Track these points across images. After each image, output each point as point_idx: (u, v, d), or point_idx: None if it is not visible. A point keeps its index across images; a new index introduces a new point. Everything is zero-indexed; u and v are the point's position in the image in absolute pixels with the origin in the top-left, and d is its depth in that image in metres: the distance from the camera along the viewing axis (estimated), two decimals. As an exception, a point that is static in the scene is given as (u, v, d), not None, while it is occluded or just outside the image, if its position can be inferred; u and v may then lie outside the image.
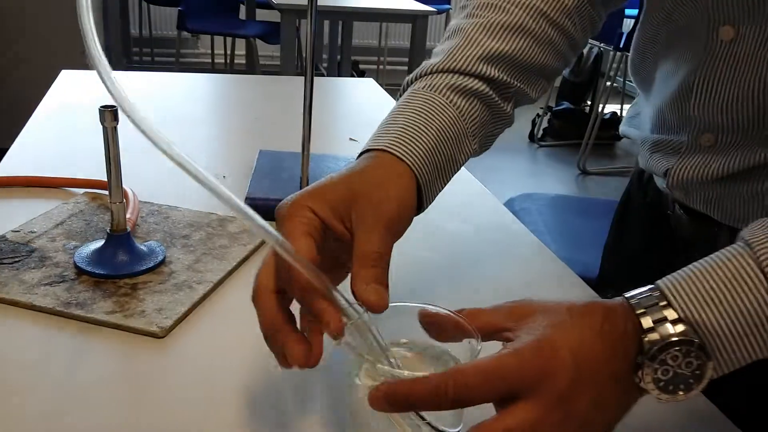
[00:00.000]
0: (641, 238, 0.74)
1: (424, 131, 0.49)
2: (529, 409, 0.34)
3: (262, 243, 0.69)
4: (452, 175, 0.52)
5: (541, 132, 3.99)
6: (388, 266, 0.42)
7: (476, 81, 0.53)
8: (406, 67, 3.22)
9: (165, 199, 0.76)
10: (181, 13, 3.60)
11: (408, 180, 0.47)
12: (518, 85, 0.56)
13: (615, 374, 0.36)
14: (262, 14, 3.93)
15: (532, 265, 0.73)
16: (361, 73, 4.38)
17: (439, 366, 0.41)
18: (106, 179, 0.76)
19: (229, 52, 4.53)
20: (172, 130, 1.03)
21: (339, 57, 3.92)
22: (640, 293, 0.38)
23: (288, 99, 1.25)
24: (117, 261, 0.61)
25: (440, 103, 0.51)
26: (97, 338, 0.53)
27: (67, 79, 1.24)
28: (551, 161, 3.86)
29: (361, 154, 0.49)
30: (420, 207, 0.49)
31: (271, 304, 0.40)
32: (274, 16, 3.25)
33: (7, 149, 0.89)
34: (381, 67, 4.85)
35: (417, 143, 0.48)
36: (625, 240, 0.78)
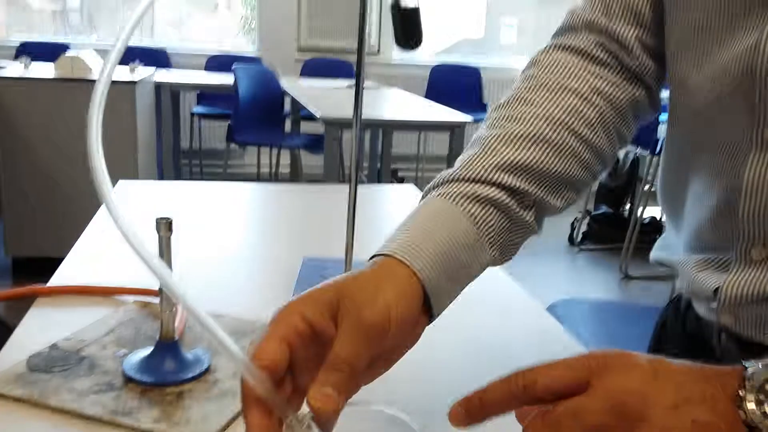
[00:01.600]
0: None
1: (433, 238, 0.48)
2: (586, 399, 0.36)
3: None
4: (467, 282, 0.51)
5: (580, 236, 3.98)
6: (355, 373, 0.41)
7: (493, 189, 0.53)
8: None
9: (213, 306, 0.78)
10: (229, 127, 3.79)
11: (408, 285, 0.46)
12: (538, 193, 0.55)
13: (701, 390, 0.37)
14: (306, 126, 4.11)
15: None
16: (401, 180, 4.49)
17: None
18: (155, 288, 0.79)
19: (274, 162, 4.71)
20: (217, 238, 1.07)
21: (379, 165, 4.04)
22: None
23: (331, 206, 1.29)
24: (164, 369, 0.62)
25: (453, 210, 0.51)
26: None
27: (123, 189, 1.31)
28: (592, 265, 3.82)
29: (370, 259, 0.48)
30: (430, 313, 0.48)
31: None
32: (317, 128, 3.40)
33: (63, 258, 0.94)
34: (420, 174, 4.96)
35: (424, 248, 0.47)
36: None
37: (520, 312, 0.86)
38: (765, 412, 0.36)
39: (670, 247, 0.66)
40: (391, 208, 1.43)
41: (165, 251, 0.62)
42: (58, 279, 0.86)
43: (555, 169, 0.55)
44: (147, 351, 0.64)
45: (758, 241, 0.53)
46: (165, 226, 0.61)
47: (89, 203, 2.85)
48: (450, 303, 0.50)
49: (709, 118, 0.56)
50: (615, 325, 1.41)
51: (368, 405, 0.41)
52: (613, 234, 3.85)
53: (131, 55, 4.25)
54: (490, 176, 0.53)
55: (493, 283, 0.95)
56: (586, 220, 4.01)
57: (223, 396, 0.60)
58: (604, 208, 4.04)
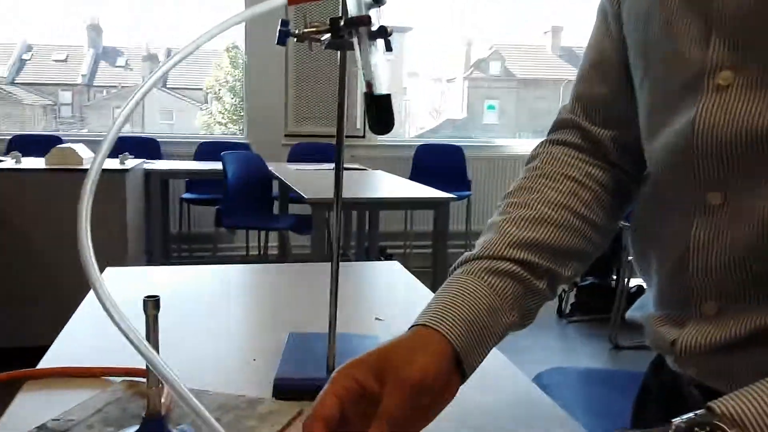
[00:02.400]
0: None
1: (459, 306, 0.58)
2: None
3: (290, 422, 0.71)
4: (492, 345, 0.60)
5: (569, 307, 3.99)
6: (399, 423, 0.48)
7: (508, 263, 0.62)
8: (430, 250, 3.34)
9: (199, 382, 0.80)
10: (218, 211, 3.85)
11: (441, 348, 0.55)
12: (547, 265, 0.64)
13: None
14: (294, 208, 4.18)
15: (558, 438, 0.72)
16: (389, 257, 4.52)
17: None
18: (142, 367, 0.81)
19: (263, 244, 4.75)
20: (204, 317, 1.09)
21: (366, 243, 4.09)
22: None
23: (317, 284, 1.32)
24: None
25: (475, 282, 0.60)
26: None
27: (110, 275, 1.33)
28: (582, 336, 3.81)
29: (409, 329, 0.57)
30: (463, 374, 0.56)
31: None
32: (305, 210, 3.46)
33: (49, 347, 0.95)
34: (407, 251, 5.01)
35: (452, 316, 0.57)
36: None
37: (508, 383, 0.88)
38: None
39: (644, 306, 0.70)
40: (377, 284, 1.45)
41: (152, 329, 0.64)
42: (46, 362, 0.87)
43: (559, 243, 0.65)
44: (133, 429, 0.65)
45: (709, 297, 0.57)
46: (152, 304, 0.64)
47: (77, 289, 2.82)
48: (480, 363, 0.59)
49: (661, 186, 0.62)
50: (602, 391, 1.41)
51: None
52: (601, 304, 3.87)
53: (123, 146, 4.36)
54: (505, 253, 0.63)
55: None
56: (574, 292, 4.04)
57: None
58: (591, 279, 4.07)
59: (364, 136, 5.32)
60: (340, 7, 0.73)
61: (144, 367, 0.81)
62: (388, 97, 0.77)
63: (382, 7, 0.70)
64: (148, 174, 3.88)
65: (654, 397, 0.75)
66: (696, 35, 0.55)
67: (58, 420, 0.70)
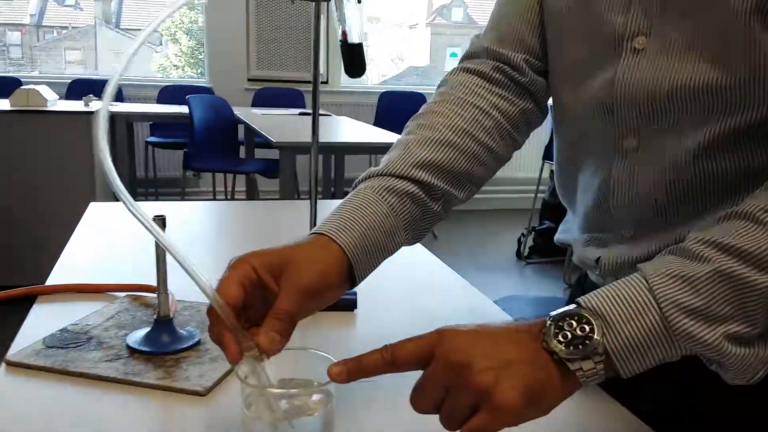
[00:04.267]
0: None
1: (358, 221, 0.63)
2: (431, 366, 0.50)
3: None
4: (383, 259, 0.65)
5: (527, 250, 4.18)
6: (294, 322, 0.56)
7: (408, 183, 0.67)
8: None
9: (195, 297, 0.90)
10: (186, 154, 3.89)
11: (336, 258, 0.60)
12: (445, 187, 0.69)
13: (512, 338, 0.51)
14: (260, 152, 4.23)
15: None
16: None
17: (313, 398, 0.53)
18: (143, 283, 0.91)
19: (229, 188, 4.80)
20: (190, 247, 1.19)
21: (332, 188, 4.19)
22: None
23: (290, 219, 1.42)
24: (162, 341, 0.74)
25: (376, 200, 0.65)
26: (151, 398, 0.66)
27: (95, 210, 1.41)
28: (538, 277, 4.02)
29: (308, 235, 0.63)
30: (353, 281, 0.62)
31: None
32: (271, 154, 3.52)
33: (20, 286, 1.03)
34: (372, 196, 5.12)
35: (350, 229, 0.62)
36: None
37: (467, 302, 1.01)
38: (559, 340, 0.50)
39: (569, 231, 0.82)
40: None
41: (160, 247, 0.74)
42: (52, 281, 0.96)
43: (458, 167, 0.70)
44: (145, 330, 0.76)
45: (626, 225, 0.70)
46: (159, 222, 0.74)
47: (46, 231, 2.93)
48: (369, 274, 0.64)
49: (583, 131, 0.72)
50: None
51: (304, 349, 0.55)
52: (558, 247, 4.06)
53: (84, 89, 4.31)
54: (407, 172, 0.67)
55: (441, 275, 1.10)
56: (532, 235, 4.23)
57: (213, 360, 0.72)
58: (547, 224, 4.26)
59: (327, 82, 5.35)
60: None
61: (144, 284, 0.92)
62: (360, 45, 0.87)
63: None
64: (113, 117, 3.88)
65: None
66: (617, 3, 0.64)
67: (77, 324, 0.80)
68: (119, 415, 0.63)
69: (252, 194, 4.20)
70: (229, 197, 4.87)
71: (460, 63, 0.80)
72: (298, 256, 0.59)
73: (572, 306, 0.52)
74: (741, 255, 0.50)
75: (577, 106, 0.72)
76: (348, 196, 0.67)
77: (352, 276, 0.62)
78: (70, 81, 4.93)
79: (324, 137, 3.15)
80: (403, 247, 0.68)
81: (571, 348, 0.50)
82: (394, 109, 5.30)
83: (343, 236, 0.61)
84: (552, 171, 4.33)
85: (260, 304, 0.56)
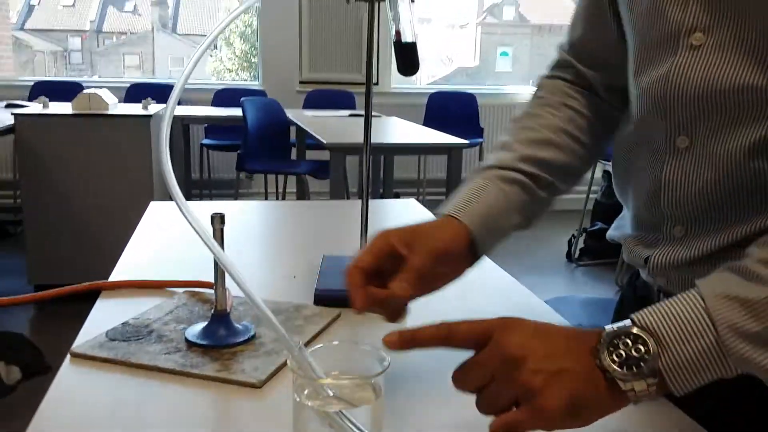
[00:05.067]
0: None
1: (476, 202, 0.71)
2: (485, 350, 0.52)
3: (330, 323, 0.84)
4: (501, 238, 0.73)
5: (578, 252, 4.12)
6: (421, 277, 0.63)
7: (518, 174, 0.75)
8: (443, 197, 3.45)
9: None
10: (239, 156, 3.97)
11: (461, 232, 0.68)
12: (550, 179, 0.76)
13: (569, 345, 0.52)
14: (311, 154, 4.29)
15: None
16: (403, 204, 4.65)
17: (362, 390, 0.54)
18: (201, 279, 0.94)
19: (281, 189, 4.88)
20: (245, 244, 1.22)
21: (381, 190, 4.21)
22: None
23: (342, 218, 1.45)
24: (219, 335, 0.77)
25: (490, 185, 0.73)
26: (208, 390, 0.68)
27: (155, 209, 1.46)
28: (589, 279, 3.95)
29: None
30: (475, 256, 0.70)
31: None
32: (322, 155, 3.57)
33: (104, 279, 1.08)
34: (421, 197, 5.13)
35: (471, 209, 0.70)
36: None
37: (521, 304, 1.01)
38: (613, 359, 0.50)
39: (621, 227, 0.82)
40: (397, 218, 1.58)
41: (218, 242, 0.77)
42: (114, 278, 1.01)
43: (559, 161, 0.77)
44: (203, 324, 0.79)
45: (677, 223, 0.69)
46: (218, 219, 0.76)
47: (107, 230, 3.02)
48: (489, 252, 0.72)
49: (641, 125, 0.72)
50: (602, 316, 1.53)
51: (355, 342, 0.57)
52: (609, 249, 3.99)
53: (142, 93, 4.45)
54: (516, 165, 0.75)
55: (499, 281, 1.10)
56: (583, 237, 4.16)
57: (268, 354, 0.74)
58: (599, 225, 4.18)
59: (377, 83, 5.38)
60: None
61: (202, 280, 0.95)
62: (414, 44, 0.88)
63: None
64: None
65: (628, 305, 0.85)
66: None
67: (138, 318, 0.83)
68: (177, 406, 0.65)
69: (303, 195, 4.27)
70: (280, 198, 4.95)
71: (550, 71, 0.87)
72: (427, 229, 0.68)
73: (626, 322, 0.52)
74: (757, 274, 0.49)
75: (635, 101, 0.72)
76: (463, 185, 0.75)
77: (474, 251, 0.70)
78: (128, 85, 5.10)
79: (374, 138, 3.16)
80: None
81: (625, 369, 0.50)
82: (444, 109, 5.29)
83: (464, 213, 0.70)
84: (605, 171, 4.26)
85: (395, 271, 0.64)
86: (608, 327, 0.52)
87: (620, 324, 0.52)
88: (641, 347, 0.50)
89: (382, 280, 0.64)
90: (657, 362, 0.50)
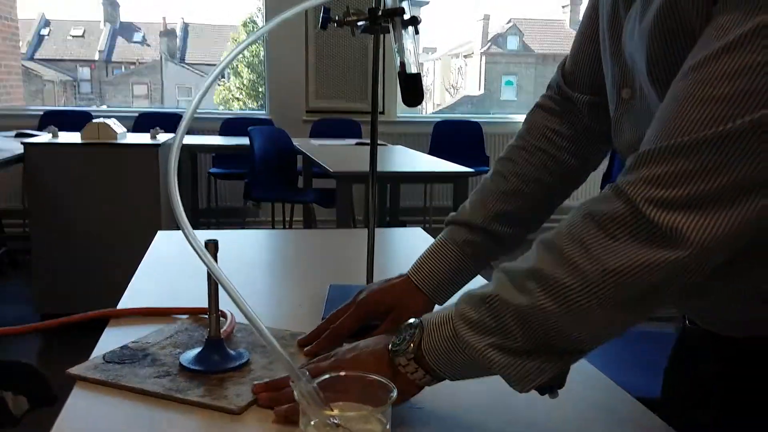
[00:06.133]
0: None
1: (440, 270, 0.86)
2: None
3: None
4: (458, 290, 0.86)
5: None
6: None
7: (485, 235, 0.85)
8: (450, 223, 3.45)
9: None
10: (246, 184, 4.00)
11: (425, 303, 0.85)
12: (516, 232, 0.86)
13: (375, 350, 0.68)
14: (317, 182, 4.31)
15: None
16: (409, 232, 4.65)
17: (369, 422, 0.55)
18: (203, 307, 0.95)
19: (287, 217, 4.90)
20: (253, 272, 1.22)
21: (388, 218, 4.22)
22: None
23: (348, 246, 1.45)
24: (212, 360, 0.77)
25: (453, 250, 0.85)
26: (191, 414, 0.69)
27: (163, 238, 1.48)
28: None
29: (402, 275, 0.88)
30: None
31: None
32: (328, 183, 3.59)
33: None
34: (426, 226, 5.14)
35: (428, 273, 0.86)
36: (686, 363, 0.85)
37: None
38: (394, 342, 0.65)
39: None
40: (403, 246, 1.58)
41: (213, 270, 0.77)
42: (123, 306, 1.01)
43: (528, 212, 0.86)
44: (198, 349, 0.80)
45: None
46: (212, 246, 0.77)
47: (114, 258, 3.03)
48: (447, 300, 0.87)
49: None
50: (631, 348, 1.54)
51: (363, 375, 0.60)
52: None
53: (150, 122, 4.50)
54: (484, 224, 0.85)
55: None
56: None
57: (254, 381, 0.74)
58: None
59: (383, 112, 5.42)
60: (375, -2, 0.85)
61: (205, 307, 0.95)
62: (418, 75, 0.90)
63: (412, -2, 0.81)
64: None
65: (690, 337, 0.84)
66: (615, 51, 0.70)
67: (137, 342, 0.84)
68: (159, 429, 0.66)
69: (309, 223, 4.28)
70: (287, 226, 4.97)
71: (544, 93, 0.92)
72: (402, 299, 0.85)
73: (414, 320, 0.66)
74: (506, 271, 0.61)
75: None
76: (434, 242, 0.88)
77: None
78: (137, 114, 5.16)
79: (380, 166, 3.18)
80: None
81: (397, 343, 0.65)
82: (449, 137, 5.33)
83: (420, 278, 0.86)
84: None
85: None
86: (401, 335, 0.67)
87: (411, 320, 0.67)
88: (413, 331, 0.64)
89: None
90: (419, 343, 0.63)
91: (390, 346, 0.65)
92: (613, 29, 0.70)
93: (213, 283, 0.79)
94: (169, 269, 1.24)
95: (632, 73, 0.67)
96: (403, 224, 4.71)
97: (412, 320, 0.66)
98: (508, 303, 0.58)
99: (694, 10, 0.56)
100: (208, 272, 0.78)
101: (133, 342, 0.84)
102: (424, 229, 1.65)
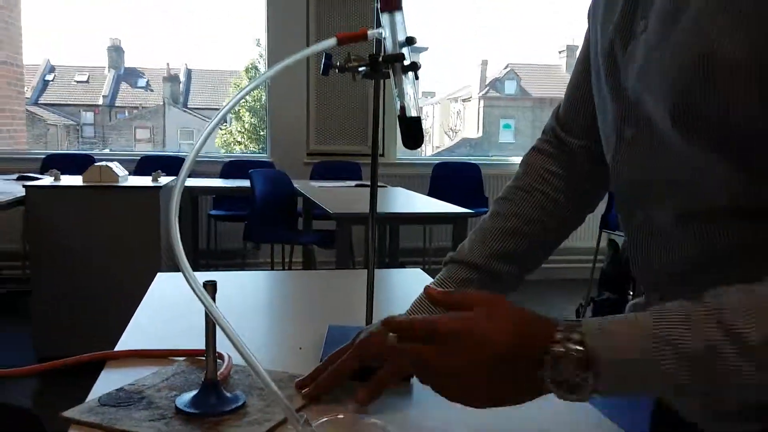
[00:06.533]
0: None
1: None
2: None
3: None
4: None
5: (586, 322, 4.07)
6: (384, 387, 0.77)
7: (484, 273, 0.85)
8: (450, 264, 3.45)
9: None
10: (246, 226, 4.01)
11: None
12: (515, 270, 0.86)
13: (516, 349, 0.57)
14: (318, 223, 4.32)
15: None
16: (409, 273, 4.64)
17: None
18: (201, 349, 0.94)
19: (287, 258, 4.90)
20: (252, 314, 1.22)
21: (387, 259, 4.22)
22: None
23: (348, 288, 1.45)
24: (208, 403, 0.77)
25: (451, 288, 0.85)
26: None
27: (162, 280, 1.47)
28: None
29: None
30: None
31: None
32: (328, 225, 3.60)
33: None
34: (426, 267, 5.12)
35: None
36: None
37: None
38: (553, 377, 0.54)
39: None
40: (403, 287, 1.58)
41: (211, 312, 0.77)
42: (120, 348, 1.01)
43: (526, 250, 0.86)
44: (195, 392, 0.79)
45: (652, 292, 0.73)
46: (210, 288, 0.77)
47: (114, 300, 3.01)
48: None
49: (616, 202, 0.76)
50: None
51: (362, 417, 0.57)
52: (618, 319, 3.94)
53: (152, 165, 4.54)
54: (483, 263, 0.85)
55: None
56: (591, 306, 4.12)
57: (250, 425, 0.74)
58: (606, 295, 4.15)
59: (383, 155, 5.47)
60: (374, 45, 0.87)
61: (203, 349, 0.95)
62: (418, 118, 0.91)
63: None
64: (178, 191, 4.05)
65: None
66: (615, 90, 0.68)
67: (133, 384, 0.83)
68: None
69: (309, 264, 4.27)
70: (286, 267, 4.96)
71: (540, 136, 0.92)
72: None
73: (576, 340, 0.54)
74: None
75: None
76: (433, 283, 0.88)
77: None
78: (139, 157, 5.20)
79: (380, 208, 3.20)
80: None
81: (561, 389, 0.55)
82: (448, 179, 5.36)
83: None
84: (610, 240, 4.27)
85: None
86: (558, 334, 0.55)
87: (571, 344, 0.54)
88: (581, 373, 0.53)
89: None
90: (592, 388, 0.53)
91: (543, 376, 0.55)
92: (611, 66, 0.69)
93: (211, 324, 0.79)
94: (168, 311, 1.24)
95: (635, 110, 0.66)
96: (403, 265, 4.70)
97: (563, 348, 0.54)
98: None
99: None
100: (206, 313, 0.78)
101: (129, 384, 0.83)
102: (424, 270, 1.65)
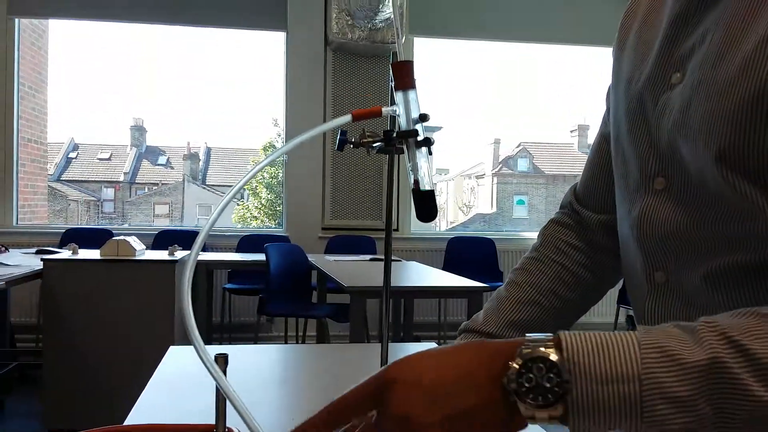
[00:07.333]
0: None
1: None
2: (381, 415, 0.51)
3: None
4: None
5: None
6: None
7: None
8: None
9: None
10: (261, 299, 4.00)
11: None
12: None
13: (470, 375, 0.48)
14: (332, 297, 4.31)
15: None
16: (423, 349, 4.58)
17: None
18: (211, 423, 0.93)
19: (301, 332, 4.86)
20: (266, 389, 1.21)
21: (401, 333, 4.17)
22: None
23: (362, 362, 1.43)
24: None
25: None
26: None
27: (175, 353, 1.47)
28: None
29: None
30: None
31: None
32: (342, 299, 3.59)
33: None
34: (441, 341, 5.05)
35: None
36: None
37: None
38: (521, 384, 0.46)
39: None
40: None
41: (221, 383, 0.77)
42: (130, 422, 1.00)
43: (543, 322, 0.84)
44: None
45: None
46: (222, 360, 0.77)
47: (126, 374, 2.99)
48: None
49: (627, 261, 0.76)
50: None
51: None
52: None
53: (170, 239, 4.59)
54: (499, 332, 0.84)
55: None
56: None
57: None
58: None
59: (397, 229, 5.50)
60: (389, 121, 0.90)
61: (212, 423, 0.93)
62: (432, 192, 0.93)
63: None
64: (196, 265, 4.08)
65: None
66: (641, 143, 0.69)
67: (150, 462, 0.82)
68: None
69: (323, 338, 4.23)
70: (300, 341, 4.91)
71: (558, 210, 0.93)
72: None
73: (547, 343, 0.47)
74: (745, 353, 0.45)
75: (620, 240, 0.76)
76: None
77: None
78: (157, 232, 5.27)
79: (394, 281, 3.20)
80: None
81: (531, 398, 0.46)
82: (463, 253, 5.36)
83: None
84: (628, 316, 4.20)
85: None
86: (529, 338, 0.48)
87: (542, 349, 0.47)
88: (553, 377, 0.45)
89: None
90: (567, 396, 0.45)
91: (510, 388, 0.47)
92: (639, 123, 0.69)
93: (221, 398, 0.78)
94: (179, 385, 1.23)
95: (668, 162, 0.65)
96: (417, 339, 4.64)
97: (534, 355, 0.46)
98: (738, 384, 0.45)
99: None
100: (216, 387, 0.77)
101: (141, 459, 0.82)
102: (438, 344, 1.63)
